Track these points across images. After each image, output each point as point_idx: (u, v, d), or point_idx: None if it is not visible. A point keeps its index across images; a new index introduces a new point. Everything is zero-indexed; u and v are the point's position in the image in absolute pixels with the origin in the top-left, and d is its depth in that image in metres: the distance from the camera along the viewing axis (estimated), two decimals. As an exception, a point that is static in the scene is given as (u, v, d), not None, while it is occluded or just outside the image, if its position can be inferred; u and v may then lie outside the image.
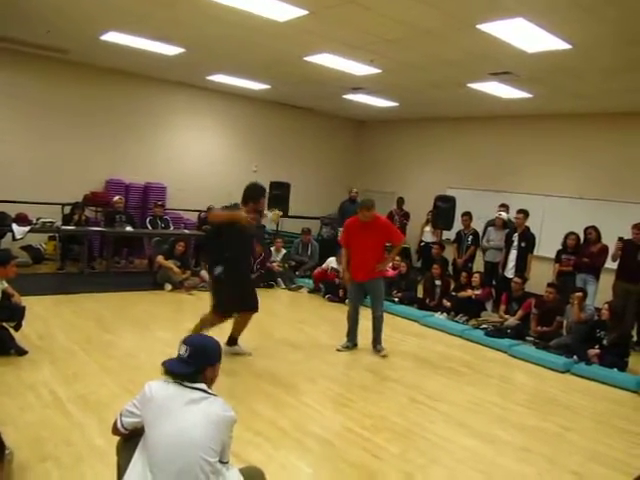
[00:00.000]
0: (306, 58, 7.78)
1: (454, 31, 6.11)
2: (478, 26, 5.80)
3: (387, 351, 6.00)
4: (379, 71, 8.25)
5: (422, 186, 12.13)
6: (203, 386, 2.27)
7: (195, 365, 2.28)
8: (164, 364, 2.31)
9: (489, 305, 7.99)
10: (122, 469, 2.30)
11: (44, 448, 3.32)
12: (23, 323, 5.17)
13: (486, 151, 11.39)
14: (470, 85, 8.59)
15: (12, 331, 4.97)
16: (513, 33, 5.88)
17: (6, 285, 5.08)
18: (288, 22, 6.22)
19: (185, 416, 2.17)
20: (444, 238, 9.96)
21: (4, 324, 4.89)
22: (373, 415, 4.34)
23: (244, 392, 4.53)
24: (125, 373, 4.71)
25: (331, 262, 8.97)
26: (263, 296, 8.59)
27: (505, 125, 11.09)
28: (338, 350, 5.99)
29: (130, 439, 2.33)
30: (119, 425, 2.34)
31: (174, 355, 2.36)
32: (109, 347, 5.39)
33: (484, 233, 8.84)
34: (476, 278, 7.87)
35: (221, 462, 2.24)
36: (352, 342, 6.10)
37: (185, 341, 2.35)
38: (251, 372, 5.06)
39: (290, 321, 7.32)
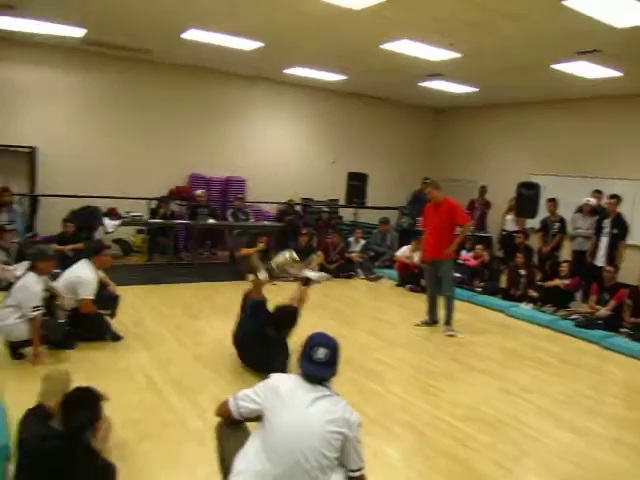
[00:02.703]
0: (383, 46, 7.70)
1: (538, 9, 5.85)
2: (564, 2, 5.53)
3: (456, 332, 6.14)
4: (458, 56, 8.04)
5: (503, 173, 11.75)
6: (328, 384, 2.31)
7: (333, 367, 2.34)
8: (302, 368, 2.33)
9: (578, 295, 7.65)
10: (225, 453, 2.38)
11: (142, 428, 3.48)
12: (117, 311, 5.47)
13: (571, 135, 10.87)
14: (555, 66, 8.22)
15: (108, 318, 5.24)
16: (602, 8, 5.57)
17: (102, 275, 5.36)
18: (365, 10, 6.17)
19: (308, 410, 2.21)
20: (527, 227, 9.62)
21: (101, 312, 5.15)
22: (463, 405, 4.26)
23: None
24: (215, 359, 4.86)
25: (404, 250, 8.89)
26: (342, 286, 8.79)
27: (591, 107, 10.53)
28: (417, 325, 6.32)
29: (233, 425, 2.39)
30: (233, 408, 2.38)
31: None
32: (198, 334, 5.58)
33: (572, 220, 8.45)
34: (565, 267, 7.56)
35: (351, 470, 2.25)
36: (431, 319, 6.38)
37: (321, 343, 2.35)
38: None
39: (371, 310, 7.30)
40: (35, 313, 4.42)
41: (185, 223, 9.29)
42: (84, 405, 2.44)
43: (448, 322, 6.21)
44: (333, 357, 2.35)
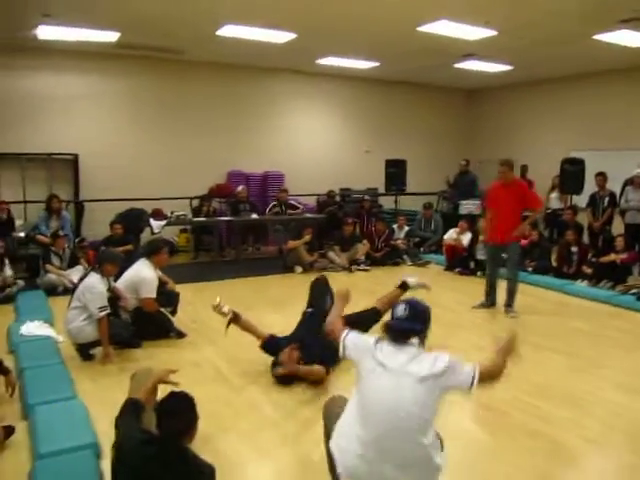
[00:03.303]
0: (420, 28, 7.60)
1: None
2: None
3: (517, 314, 6.02)
4: (494, 33, 7.90)
5: (543, 151, 11.53)
6: (416, 344, 2.36)
7: (415, 322, 2.40)
8: (388, 327, 2.41)
9: (635, 269, 7.47)
10: (329, 420, 2.49)
11: (220, 421, 3.49)
12: (178, 308, 5.53)
13: (614, 108, 10.59)
14: (596, 37, 8.01)
15: (169, 316, 5.30)
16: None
17: (160, 273, 5.41)
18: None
19: (402, 372, 2.24)
20: (573, 204, 9.43)
21: (162, 309, 5.21)
22: (537, 383, 4.19)
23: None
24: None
25: (451, 234, 8.78)
26: (390, 273, 8.72)
27: (633, 77, 10.25)
28: (474, 307, 6.20)
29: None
30: (342, 337, 2.52)
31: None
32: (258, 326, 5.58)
33: (622, 194, 8.23)
34: (620, 241, 7.35)
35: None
36: (489, 301, 6.25)
37: (401, 302, 2.49)
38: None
39: (424, 295, 7.21)
40: (102, 313, 4.48)
41: (228, 220, 9.34)
42: (180, 411, 2.43)
43: (510, 304, 6.09)
44: (412, 312, 2.41)
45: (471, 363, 2.38)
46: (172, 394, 2.50)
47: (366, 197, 10.65)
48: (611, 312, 6.40)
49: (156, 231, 8.64)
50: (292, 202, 9.87)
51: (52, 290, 6.81)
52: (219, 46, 8.86)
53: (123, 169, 9.74)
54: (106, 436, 3.08)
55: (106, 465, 2.74)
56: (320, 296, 4.84)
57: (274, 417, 3.61)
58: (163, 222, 8.68)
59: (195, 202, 9.83)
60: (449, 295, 7.09)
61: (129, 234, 8.22)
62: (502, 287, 6.25)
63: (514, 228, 5.89)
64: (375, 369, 2.30)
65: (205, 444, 3.15)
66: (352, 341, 2.51)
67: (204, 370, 4.41)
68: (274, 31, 7.95)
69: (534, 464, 3.07)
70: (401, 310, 2.40)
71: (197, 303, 6.47)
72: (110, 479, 2.52)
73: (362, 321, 4.40)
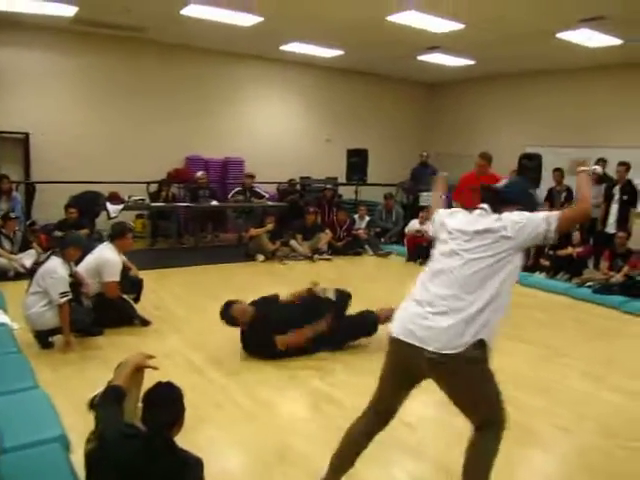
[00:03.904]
0: (390, 18, 7.55)
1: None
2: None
3: None
4: (461, 26, 7.93)
5: (500, 146, 11.67)
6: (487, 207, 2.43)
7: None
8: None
9: (590, 263, 7.70)
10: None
11: (198, 411, 3.37)
12: (141, 295, 5.35)
13: (568, 106, 10.88)
14: (558, 35, 8.18)
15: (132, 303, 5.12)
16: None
17: (124, 258, 5.22)
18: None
19: (464, 231, 2.36)
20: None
21: (125, 296, 5.03)
22: (505, 371, 4.18)
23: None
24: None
25: (414, 225, 8.84)
26: (352, 263, 8.73)
27: (590, 77, 10.53)
28: None
29: None
30: (432, 217, 2.62)
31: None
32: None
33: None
34: (577, 235, 7.58)
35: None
36: None
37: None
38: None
39: (389, 286, 7.23)
40: (64, 299, 4.28)
41: (187, 206, 9.11)
42: (167, 402, 2.32)
43: None
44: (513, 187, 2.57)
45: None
46: (159, 384, 2.39)
47: (328, 186, 10.60)
48: (569, 303, 6.59)
49: (113, 215, 8.34)
50: (258, 190, 9.71)
51: (3, 275, 6.49)
52: (183, 26, 8.59)
53: (77, 150, 9.37)
54: (73, 428, 2.95)
55: (76, 458, 2.61)
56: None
57: (251, 406, 3.53)
58: (120, 206, 8.40)
59: (153, 187, 9.54)
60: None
61: (84, 218, 7.91)
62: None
63: None
64: (444, 238, 2.42)
65: (182, 436, 3.02)
66: (435, 219, 2.60)
67: (174, 360, 4.27)
68: (241, 13, 7.76)
69: (507, 452, 3.09)
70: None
71: (159, 290, 6.29)
72: (85, 472, 2.40)
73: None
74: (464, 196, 5.91)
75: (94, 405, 2.83)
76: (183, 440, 2.86)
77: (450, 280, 2.26)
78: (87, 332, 4.67)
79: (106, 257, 4.84)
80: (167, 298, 6.01)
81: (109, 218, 8.29)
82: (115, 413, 2.42)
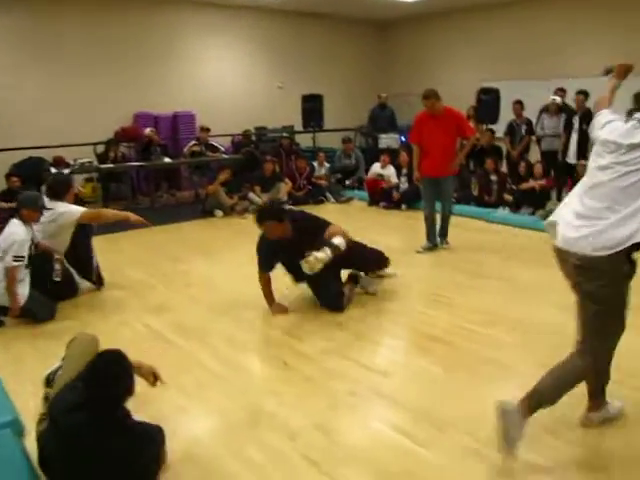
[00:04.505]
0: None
1: None
2: None
3: (450, 245, 5.96)
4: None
5: (456, 84, 11.49)
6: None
7: None
8: None
9: (553, 194, 7.67)
10: None
11: (163, 377, 3.18)
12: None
13: (522, 38, 10.69)
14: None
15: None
16: None
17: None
18: None
19: (619, 144, 2.30)
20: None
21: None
22: (480, 310, 4.16)
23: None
24: (211, 298, 4.58)
25: (375, 168, 8.65)
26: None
27: (541, 6, 10.34)
28: (418, 252, 5.83)
29: None
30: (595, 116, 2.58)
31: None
32: (185, 276, 5.25)
33: (537, 121, 8.34)
34: (538, 168, 7.51)
35: None
36: (432, 242, 5.93)
37: None
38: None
39: (355, 231, 7.07)
40: (16, 263, 3.97)
41: (139, 165, 8.69)
42: (112, 377, 2.11)
43: (444, 234, 5.99)
44: None
45: None
46: (101, 355, 2.17)
47: (284, 135, 10.27)
48: (535, 236, 6.53)
49: (59, 181, 7.89)
50: (213, 143, 9.30)
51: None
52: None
53: (13, 114, 8.76)
54: (27, 411, 2.73)
55: (30, 443, 2.41)
56: None
57: (218, 370, 3.35)
58: (66, 171, 7.92)
59: (100, 148, 9.07)
60: (376, 229, 6.95)
61: (29, 186, 7.44)
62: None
63: (449, 161, 5.64)
64: (598, 151, 2.40)
65: (144, 404, 2.85)
66: (595, 123, 2.54)
67: (133, 326, 4.05)
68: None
69: (484, 389, 3.03)
70: None
71: (114, 255, 5.99)
72: (37, 455, 2.21)
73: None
74: (421, 136, 5.73)
75: (50, 382, 2.64)
76: (146, 410, 2.70)
77: (604, 193, 2.29)
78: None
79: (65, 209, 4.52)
80: (123, 263, 5.73)
81: (55, 184, 7.85)
82: (66, 386, 2.23)
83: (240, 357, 3.52)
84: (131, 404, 2.22)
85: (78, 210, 4.57)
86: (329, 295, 4.19)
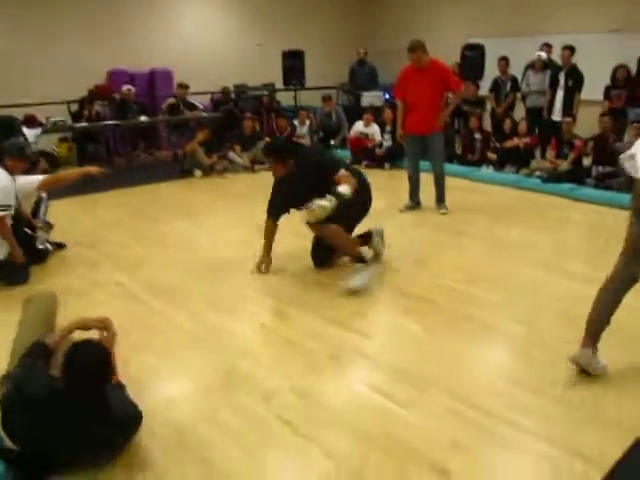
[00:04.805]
0: None
1: None
2: None
3: (448, 210, 5.62)
4: None
5: (442, 40, 11.16)
6: None
7: None
8: None
9: (537, 152, 7.57)
10: None
11: (133, 338, 3.08)
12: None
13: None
14: None
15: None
16: None
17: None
18: None
19: None
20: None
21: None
22: (461, 269, 4.10)
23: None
24: (187, 259, 4.46)
25: (358, 127, 8.46)
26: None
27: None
28: (401, 211, 5.68)
29: None
30: None
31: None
32: (163, 237, 5.12)
33: (523, 78, 8.16)
34: (523, 125, 7.38)
35: None
36: (415, 202, 5.77)
37: None
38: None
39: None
40: (2, 212, 3.80)
41: (115, 124, 8.42)
42: (92, 371, 2.00)
43: (441, 200, 5.65)
44: None
45: None
46: (77, 348, 2.04)
47: (265, 93, 9.99)
48: (519, 195, 6.47)
49: (32, 140, 7.61)
50: (192, 101, 9.01)
51: None
52: None
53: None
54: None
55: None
56: None
57: (192, 331, 3.26)
58: (38, 130, 7.64)
59: (74, 107, 8.76)
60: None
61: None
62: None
63: (436, 117, 5.36)
64: None
65: (122, 367, 2.78)
66: None
67: (106, 287, 3.92)
68: None
69: (466, 348, 2.98)
70: None
71: (89, 218, 5.87)
72: None
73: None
74: (405, 91, 5.49)
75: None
76: (121, 372, 2.61)
77: None
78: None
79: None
80: (99, 224, 5.58)
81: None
82: (40, 364, 2.13)
83: (215, 318, 3.42)
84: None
85: (37, 178, 4.38)
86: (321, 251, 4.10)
